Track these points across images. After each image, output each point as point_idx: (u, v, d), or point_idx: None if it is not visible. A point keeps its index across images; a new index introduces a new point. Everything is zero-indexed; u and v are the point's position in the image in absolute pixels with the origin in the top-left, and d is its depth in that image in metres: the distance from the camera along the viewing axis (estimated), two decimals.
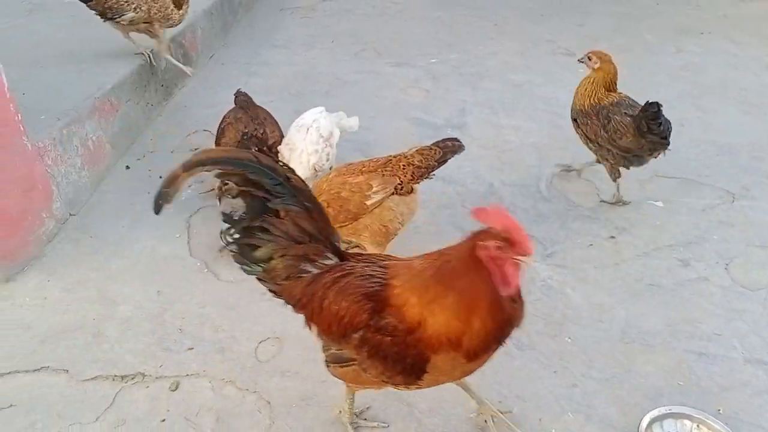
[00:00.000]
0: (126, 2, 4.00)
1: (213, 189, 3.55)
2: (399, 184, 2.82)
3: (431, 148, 2.95)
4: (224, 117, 3.52)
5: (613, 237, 3.29)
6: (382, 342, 1.76)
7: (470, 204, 3.54)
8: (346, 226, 2.82)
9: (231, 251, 1.93)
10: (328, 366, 2.02)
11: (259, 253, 1.90)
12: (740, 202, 3.56)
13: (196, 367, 2.51)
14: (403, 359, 1.75)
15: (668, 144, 3.30)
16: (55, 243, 3.20)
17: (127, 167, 3.87)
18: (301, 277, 1.91)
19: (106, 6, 3.98)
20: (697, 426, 2.19)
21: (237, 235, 1.90)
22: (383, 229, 2.85)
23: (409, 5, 7.10)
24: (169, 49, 4.54)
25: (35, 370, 2.48)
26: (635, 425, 2.20)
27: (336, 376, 2.03)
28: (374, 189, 2.79)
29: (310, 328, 1.97)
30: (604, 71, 3.40)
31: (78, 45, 4.48)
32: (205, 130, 4.38)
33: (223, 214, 1.90)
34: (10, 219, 2.90)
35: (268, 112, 3.61)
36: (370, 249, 2.92)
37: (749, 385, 2.45)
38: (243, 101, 3.59)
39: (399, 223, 2.88)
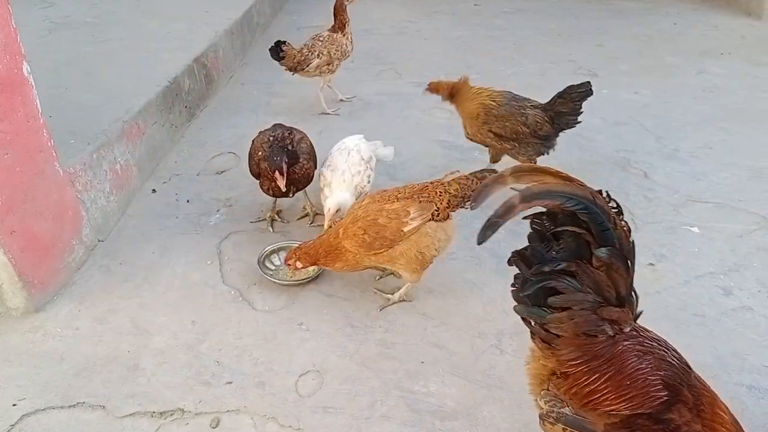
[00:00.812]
0: (310, 52, 4.48)
1: (262, 218, 3.52)
2: (436, 210, 2.77)
3: (468, 178, 2.90)
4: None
5: (652, 264, 3.23)
6: None
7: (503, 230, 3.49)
8: (381, 253, 2.77)
9: (518, 290, 1.78)
10: (546, 422, 1.88)
11: (556, 300, 1.72)
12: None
13: (236, 402, 2.44)
14: None
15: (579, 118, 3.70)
16: (84, 270, 3.14)
17: (154, 191, 3.83)
18: (596, 336, 1.74)
19: (295, 61, 4.54)
20: None
21: (543, 274, 1.72)
22: (420, 256, 2.80)
23: (428, 25, 7.09)
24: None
25: (71, 406, 2.41)
26: None
27: None
28: (411, 215, 2.75)
29: (559, 384, 1.82)
30: (461, 94, 3.75)
31: (102, 65, 4.45)
32: (229, 152, 4.34)
33: (533, 248, 1.75)
34: (41, 246, 2.85)
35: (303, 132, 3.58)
36: (406, 276, 2.87)
37: None
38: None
39: (436, 249, 2.83)
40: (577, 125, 3.71)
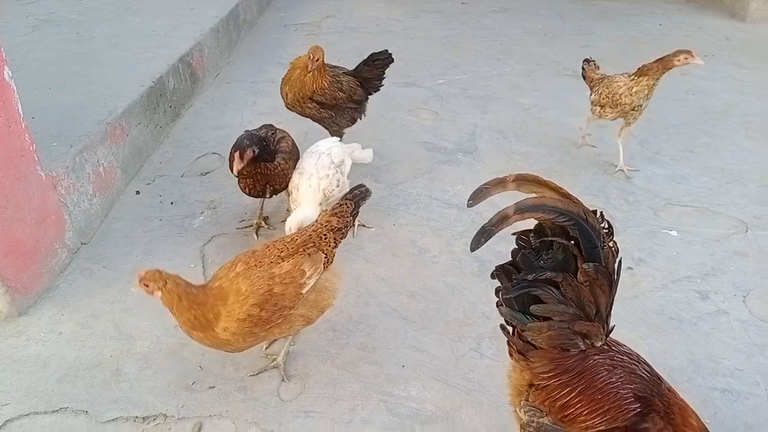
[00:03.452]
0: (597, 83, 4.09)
1: (249, 225, 3.53)
2: (325, 258, 2.49)
3: (342, 204, 2.67)
4: None
5: (630, 268, 3.28)
6: None
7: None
8: (275, 326, 2.38)
9: (505, 291, 1.81)
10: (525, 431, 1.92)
11: (538, 308, 1.76)
12: (753, 232, 3.57)
13: (218, 407, 2.47)
14: None
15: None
16: (68, 274, 3.15)
17: (138, 192, 3.83)
18: (568, 350, 1.79)
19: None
20: None
21: (527, 282, 1.76)
22: (317, 312, 2.53)
23: (414, 24, 7.10)
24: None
25: (54, 412, 2.43)
26: None
27: None
28: (308, 274, 2.40)
29: (535, 396, 1.86)
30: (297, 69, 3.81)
31: (86, 65, 4.43)
32: (213, 153, 4.34)
33: (523, 255, 1.78)
34: (24, 251, 2.85)
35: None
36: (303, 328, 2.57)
37: None
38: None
39: (333, 298, 2.57)
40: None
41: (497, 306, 1.85)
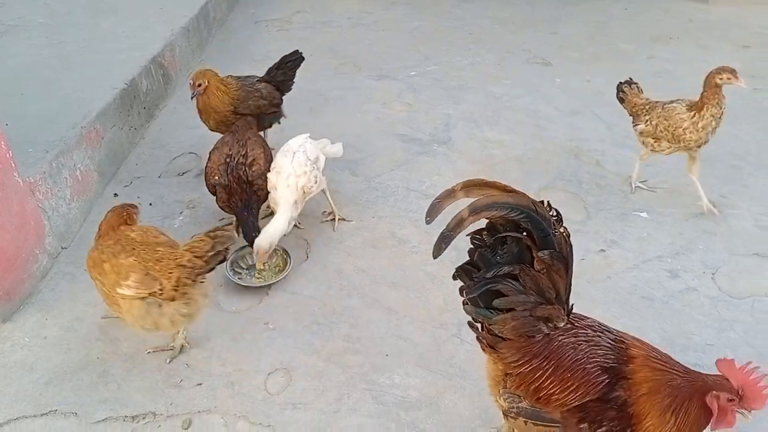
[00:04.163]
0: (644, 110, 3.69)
1: (229, 222, 3.54)
2: (159, 290, 2.42)
3: (201, 240, 2.52)
4: (216, 142, 3.51)
5: (603, 250, 3.38)
6: (605, 414, 1.81)
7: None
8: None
9: (468, 290, 1.90)
10: (509, 417, 2.01)
11: (501, 302, 1.85)
12: (721, 211, 3.69)
13: (206, 403, 2.51)
14: (617, 430, 1.81)
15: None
16: (49, 279, 3.16)
17: (116, 195, 3.83)
18: (533, 336, 1.88)
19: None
20: None
21: (487, 279, 1.85)
22: (145, 324, 2.53)
23: (385, 16, 7.12)
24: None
25: (43, 415, 2.46)
26: None
27: (518, 429, 2.04)
28: (129, 281, 2.43)
29: (510, 383, 1.94)
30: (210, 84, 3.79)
31: (58, 70, 4.40)
32: (190, 153, 4.36)
33: (480, 254, 1.87)
34: (5, 257, 2.85)
35: (259, 135, 3.61)
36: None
37: None
38: (238, 125, 3.59)
39: (170, 321, 2.52)
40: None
41: (463, 305, 1.94)
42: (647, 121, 3.64)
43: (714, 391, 1.75)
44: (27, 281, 3.01)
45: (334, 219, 3.58)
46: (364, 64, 5.87)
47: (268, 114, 4.04)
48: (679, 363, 1.88)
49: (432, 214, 1.80)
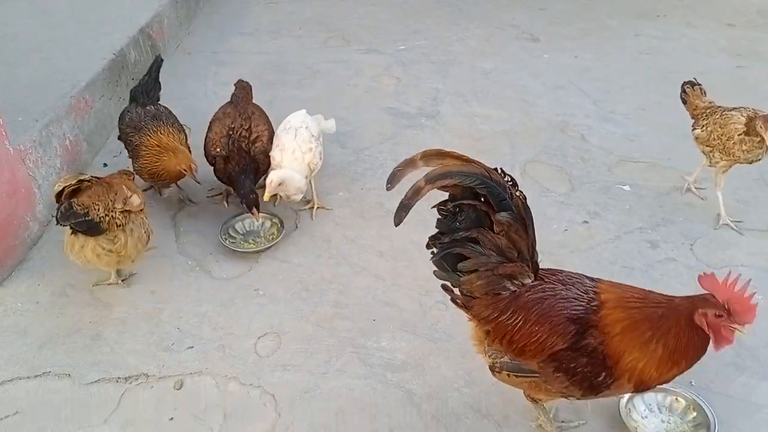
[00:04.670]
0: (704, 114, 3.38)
1: (220, 193, 3.58)
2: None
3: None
4: (216, 111, 3.51)
5: (586, 222, 3.46)
6: (578, 361, 1.90)
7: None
8: None
9: (432, 256, 2.03)
10: (494, 372, 2.11)
11: (465, 264, 1.96)
12: (701, 184, 3.77)
13: (198, 365, 2.58)
14: (592, 377, 1.91)
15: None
16: (40, 246, 3.19)
17: (105, 165, 3.85)
18: (499, 294, 1.98)
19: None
20: (676, 399, 2.38)
21: (447, 243, 1.97)
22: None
23: None
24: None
25: (37, 376, 2.51)
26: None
27: (505, 382, 2.13)
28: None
29: (490, 340, 2.04)
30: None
31: (45, 40, 4.38)
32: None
33: (438, 221, 2.00)
34: None
35: (259, 107, 3.61)
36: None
37: (717, 358, 2.62)
38: (237, 95, 3.59)
39: (77, 254, 2.76)
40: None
41: (434, 272, 2.06)
42: (704, 126, 3.33)
43: (700, 309, 1.79)
44: (18, 248, 3.05)
45: (312, 207, 3.54)
46: (353, 37, 5.88)
47: None
48: (660, 294, 1.96)
49: (393, 181, 1.89)
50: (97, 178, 2.82)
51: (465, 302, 2.04)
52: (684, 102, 3.61)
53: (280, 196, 3.33)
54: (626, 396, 2.33)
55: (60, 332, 2.72)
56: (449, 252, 1.98)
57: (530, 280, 2.00)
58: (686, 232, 3.39)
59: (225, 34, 5.93)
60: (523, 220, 1.94)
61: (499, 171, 1.95)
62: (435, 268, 2.05)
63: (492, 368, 2.11)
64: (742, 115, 3.17)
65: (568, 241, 3.29)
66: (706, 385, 2.51)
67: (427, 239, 2.05)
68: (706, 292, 1.84)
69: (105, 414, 2.38)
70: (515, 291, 1.98)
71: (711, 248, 3.27)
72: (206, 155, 3.40)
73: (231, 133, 3.31)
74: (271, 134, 3.45)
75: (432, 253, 2.04)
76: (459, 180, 1.86)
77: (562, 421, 2.36)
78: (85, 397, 2.44)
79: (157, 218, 3.39)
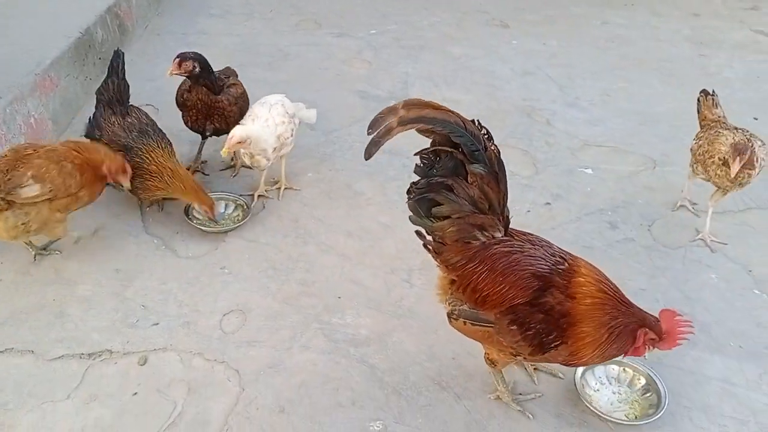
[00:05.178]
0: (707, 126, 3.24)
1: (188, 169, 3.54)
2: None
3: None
4: None
5: (548, 203, 3.54)
6: (533, 317, 1.99)
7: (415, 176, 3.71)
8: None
9: (409, 200, 2.10)
10: (452, 319, 2.19)
11: (438, 210, 2.04)
12: (661, 168, 3.88)
13: (162, 341, 2.59)
14: (543, 335, 2.00)
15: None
16: None
17: None
18: (469, 243, 2.05)
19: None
20: (623, 370, 2.48)
21: (423, 188, 2.04)
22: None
23: None
24: None
25: (0, 353, 2.51)
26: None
27: (458, 330, 2.22)
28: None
29: (454, 288, 2.14)
30: None
31: (8, 16, 4.31)
32: (147, 105, 4.32)
33: (417, 165, 2.06)
34: None
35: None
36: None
37: None
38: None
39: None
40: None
41: (409, 218, 2.13)
42: (698, 138, 3.24)
43: (646, 328, 2.01)
44: None
45: (280, 188, 3.55)
46: (324, 21, 5.88)
47: None
48: (624, 296, 2.09)
49: (374, 126, 1.92)
50: (36, 149, 2.75)
51: (436, 248, 2.12)
52: (698, 111, 3.44)
53: (243, 160, 3.35)
54: (579, 371, 2.44)
55: (23, 310, 2.70)
56: (424, 196, 2.05)
57: (500, 234, 2.08)
58: (645, 213, 3.49)
59: (195, 15, 5.88)
60: (496, 173, 2.01)
61: (476, 123, 2.01)
62: (410, 213, 2.12)
63: (450, 315, 2.20)
64: (730, 139, 2.98)
65: (530, 221, 3.36)
66: (659, 359, 2.60)
67: (410, 185, 2.12)
68: (658, 317, 2.04)
69: (68, 389, 2.38)
70: (485, 242, 2.06)
71: (668, 229, 3.38)
72: (176, 98, 3.48)
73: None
74: (244, 95, 3.53)
75: (408, 197, 2.11)
76: (431, 126, 1.92)
77: (519, 394, 2.43)
78: (48, 373, 2.44)
79: (123, 197, 3.38)
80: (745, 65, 5.27)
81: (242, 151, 3.23)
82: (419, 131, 1.96)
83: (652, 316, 2.06)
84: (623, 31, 5.84)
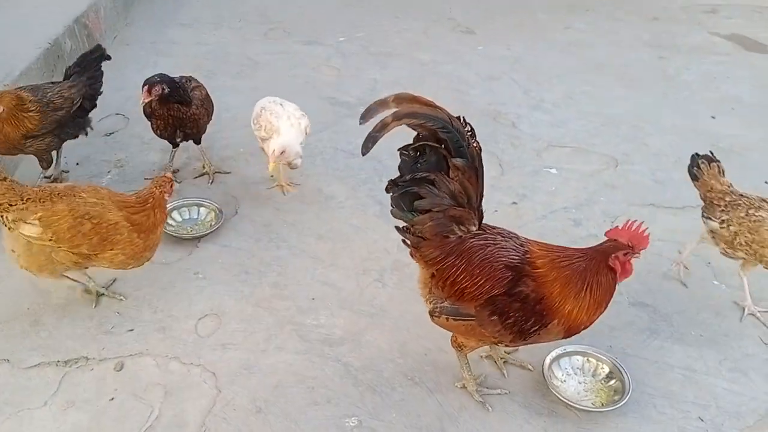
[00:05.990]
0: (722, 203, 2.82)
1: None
2: None
3: None
4: None
5: (515, 203, 3.64)
6: (511, 306, 2.08)
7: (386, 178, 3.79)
8: None
9: (392, 194, 2.19)
10: (434, 317, 2.28)
11: (420, 203, 2.13)
12: (622, 167, 4.02)
13: (138, 346, 2.62)
14: (522, 323, 2.10)
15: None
16: None
17: (77, 164, 3.80)
18: (447, 237, 2.14)
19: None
20: (587, 360, 2.58)
21: (406, 182, 2.13)
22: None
23: None
24: None
25: None
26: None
27: (442, 327, 2.30)
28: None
29: (433, 283, 2.22)
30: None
31: None
32: (117, 114, 4.35)
33: (403, 161, 2.16)
34: None
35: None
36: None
37: (633, 324, 2.86)
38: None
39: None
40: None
41: (391, 212, 2.22)
42: (724, 222, 2.79)
43: (613, 254, 2.09)
44: None
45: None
46: (293, 29, 5.94)
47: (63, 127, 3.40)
48: (574, 249, 2.18)
49: (366, 116, 2.02)
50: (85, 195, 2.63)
51: (415, 243, 2.20)
52: (694, 178, 2.99)
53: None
54: (546, 363, 2.53)
55: None
56: (408, 191, 2.14)
57: (475, 228, 2.18)
58: (607, 210, 3.62)
59: (164, 25, 5.90)
60: (476, 169, 2.12)
61: (461, 120, 2.12)
62: (393, 208, 2.21)
63: (432, 313, 2.29)
64: None
65: (497, 221, 3.33)
66: (623, 349, 2.71)
67: (388, 182, 2.21)
68: (612, 239, 2.11)
69: (45, 396, 2.40)
70: (461, 236, 2.16)
71: None
72: (143, 108, 3.46)
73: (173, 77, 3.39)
74: (207, 96, 3.59)
75: (391, 188, 2.19)
76: (424, 121, 2.03)
77: (486, 387, 2.51)
78: (24, 381, 2.45)
79: None
80: (702, 67, 5.47)
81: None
82: (409, 125, 2.06)
83: (606, 242, 2.13)
84: (585, 36, 6.02)
